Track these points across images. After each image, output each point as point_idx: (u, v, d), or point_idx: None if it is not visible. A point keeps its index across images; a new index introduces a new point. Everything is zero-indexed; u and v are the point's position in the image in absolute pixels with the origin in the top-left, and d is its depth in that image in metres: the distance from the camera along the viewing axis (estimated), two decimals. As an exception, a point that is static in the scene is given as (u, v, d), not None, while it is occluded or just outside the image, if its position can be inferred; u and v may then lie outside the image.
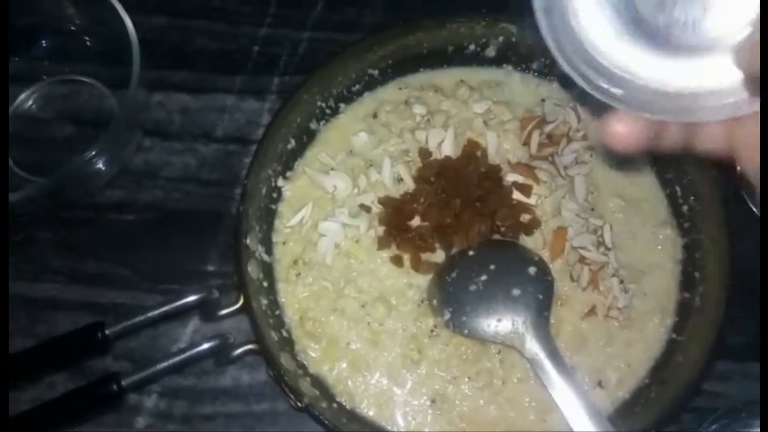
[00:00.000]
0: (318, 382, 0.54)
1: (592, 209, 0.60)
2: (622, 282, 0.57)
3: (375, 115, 0.64)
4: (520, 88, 0.65)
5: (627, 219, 0.60)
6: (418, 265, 0.58)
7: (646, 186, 0.61)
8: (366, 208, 0.60)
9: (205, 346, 0.48)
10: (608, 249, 0.58)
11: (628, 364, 0.55)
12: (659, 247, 0.59)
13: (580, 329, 0.56)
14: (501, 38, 0.64)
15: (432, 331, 0.56)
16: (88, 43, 0.65)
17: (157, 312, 0.48)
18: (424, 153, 0.61)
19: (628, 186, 0.61)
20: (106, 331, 0.47)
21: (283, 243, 0.59)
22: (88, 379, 0.50)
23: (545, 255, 0.58)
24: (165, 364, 0.46)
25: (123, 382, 0.45)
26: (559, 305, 0.56)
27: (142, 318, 0.47)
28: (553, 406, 0.53)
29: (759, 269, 0.62)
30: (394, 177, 0.61)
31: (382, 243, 0.58)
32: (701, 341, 0.52)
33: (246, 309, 0.52)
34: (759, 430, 0.53)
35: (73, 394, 0.46)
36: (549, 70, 0.64)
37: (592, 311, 0.56)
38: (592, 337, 0.56)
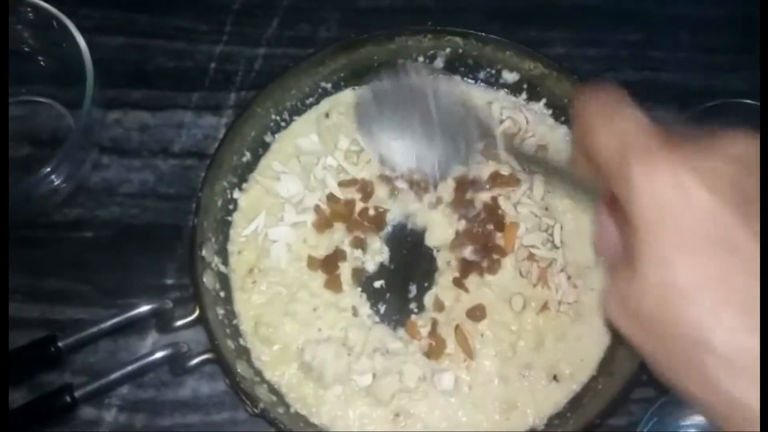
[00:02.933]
0: (274, 389, 0.54)
1: (546, 209, 0.62)
2: (569, 278, 0.59)
3: (327, 115, 0.66)
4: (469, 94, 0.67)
5: (575, 218, 0.62)
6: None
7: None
8: (316, 207, 0.61)
9: (159, 355, 0.48)
10: (556, 247, 0.60)
11: (580, 358, 0.57)
12: (604, 245, 0.61)
13: (538, 326, 0.58)
14: (448, 50, 0.66)
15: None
16: (42, 63, 0.65)
17: (109, 323, 0.48)
18: None
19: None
20: (59, 344, 0.47)
21: (239, 252, 0.60)
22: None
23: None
24: (117, 374, 0.46)
25: (76, 394, 0.45)
26: (521, 307, 0.58)
27: (95, 330, 0.48)
28: (513, 405, 0.55)
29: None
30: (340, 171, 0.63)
31: (321, 225, 0.60)
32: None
33: (201, 318, 0.52)
34: (702, 418, 0.55)
35: (26, 407, 0.46)
36: (495, 79, 0.67)
37: (545, 306, 0.58)
38: (548, 333, 0.58)
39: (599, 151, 0.31)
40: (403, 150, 0.52)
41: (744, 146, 0.28)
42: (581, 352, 0.57)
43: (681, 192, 0.27)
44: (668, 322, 0.28)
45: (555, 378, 0.56)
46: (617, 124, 0.31)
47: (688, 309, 0.27)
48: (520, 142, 0.59)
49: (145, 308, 0.49)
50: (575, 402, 0.55)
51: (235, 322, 0.57)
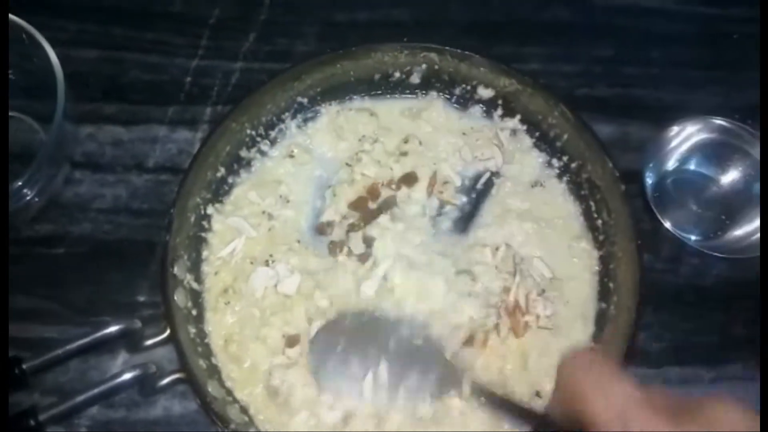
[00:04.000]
0: (245, 409, 0.54)
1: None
2: (544, 291, 0.59)
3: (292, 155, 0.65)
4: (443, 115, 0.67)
5: (543, 237, 0.62)
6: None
7: (558, 204, 0.64)
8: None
9: (127, 376, 0.48)
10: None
11: None
12: (575, 260, 0.61)
13: (523, 347, 0.57)
14: (424, 66, 0.67)
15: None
16: (12, 77, 0.64)
17: (75, 345, 0.47)
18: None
19: (541, 206, 0.64)
20: (24, 366, 0.46)
21: (215, 273, 0.59)
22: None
23: None
24: (83, 396, 0.45)
25: (41, 417, 0.44)
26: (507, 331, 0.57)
27: (59, 352, 0.47)
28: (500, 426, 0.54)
29: (670, 280, 0.66)
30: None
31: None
32: (614, 349, 0.54)
33: (172, 338, 0.52)
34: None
35: (-12, 432, 0.45)
36: (470, 95, 0.67)
37: (526, 325, 0.58)
38: (532, 352, 0.57)
39: (597, 417, 0.36)
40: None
41: (728, 416, 0.34)
42: None
43: None
44: None
45: (537, 394, 0.56)
46: (613, 395, 0.36)
47: None
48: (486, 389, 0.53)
49: (113, 329, 0.49)
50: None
51: (206, 340, 0.56)
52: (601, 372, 0.37)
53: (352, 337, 0.53)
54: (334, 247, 0.61)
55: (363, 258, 0.60)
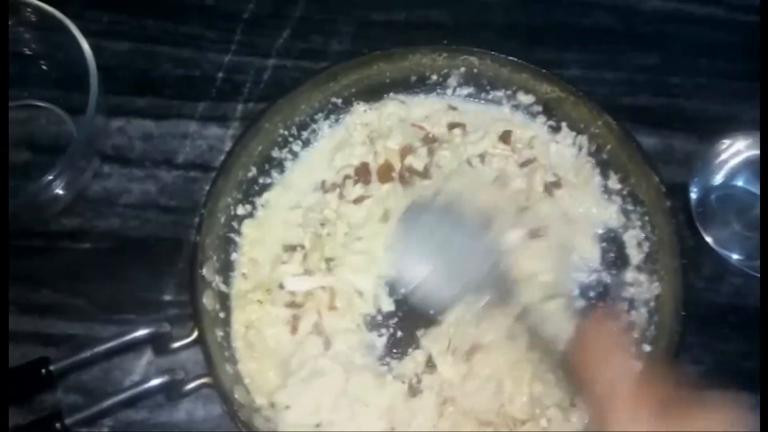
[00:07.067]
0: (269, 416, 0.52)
1: None
2: None
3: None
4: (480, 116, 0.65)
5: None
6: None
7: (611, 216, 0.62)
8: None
9: (155, 382, 0.46)
10: None
11: None
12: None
13: None
14: (463, 69, 0.65)
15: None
16: (44, 67, 0.64)
17: (103, 347, 0.46)
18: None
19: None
20: (51, 367, 0.45)
21: (243, 275, 0.58)
22: (37, 415, 0.49)
23: None
24: (110, 401, 0.44)
25: (67, 421, 0.43)
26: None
27: (88, 354, 0.46)
28: None
29: (711, 299, 0.63)
30: None
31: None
32: (656, 371, 0.52)
33: (200, 342, 0.51)
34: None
35: (13, 433, 0.45)
36: (509, 101, 0.65)
37: None
38: None
39: (592, 383, 0.38)
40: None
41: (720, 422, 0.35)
42: None
43: None
44: None
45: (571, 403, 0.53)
46: (611, 368, 0.38)
47: None
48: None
49: (142, 332, 0.48)
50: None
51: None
52: (609, 343, 0.39)
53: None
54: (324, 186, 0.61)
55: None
